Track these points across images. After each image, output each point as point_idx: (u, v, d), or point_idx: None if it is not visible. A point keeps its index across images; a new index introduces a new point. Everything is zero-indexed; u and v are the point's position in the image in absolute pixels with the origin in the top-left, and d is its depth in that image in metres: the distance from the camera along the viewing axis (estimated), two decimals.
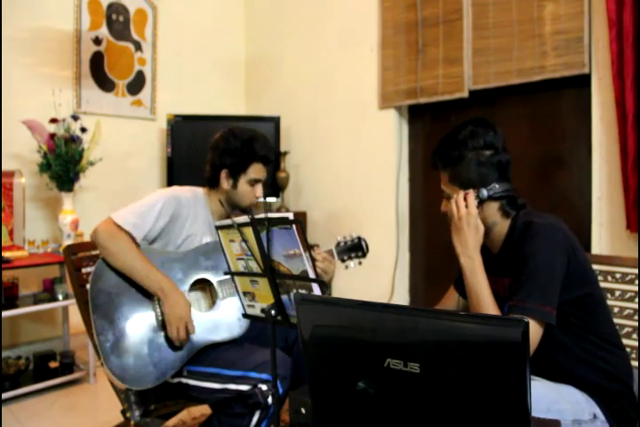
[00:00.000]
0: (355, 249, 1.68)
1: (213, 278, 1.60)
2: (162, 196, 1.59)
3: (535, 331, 1.15)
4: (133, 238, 1.52)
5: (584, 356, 1.25)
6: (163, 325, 1.52)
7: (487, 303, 1.21)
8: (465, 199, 1.27)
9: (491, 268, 1.29)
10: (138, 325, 1.50)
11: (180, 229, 1.61)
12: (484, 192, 1.27)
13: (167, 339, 1.51)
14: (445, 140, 1.34)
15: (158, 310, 1.53)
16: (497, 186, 1.27)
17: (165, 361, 1.48)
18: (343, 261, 1.69)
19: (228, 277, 1.58)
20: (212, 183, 1.71)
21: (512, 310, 1.18)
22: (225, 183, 1.67)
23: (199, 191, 1.72)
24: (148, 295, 1.53)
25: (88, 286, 1.51)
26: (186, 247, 1.62)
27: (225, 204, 1.70)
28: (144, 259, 1.51)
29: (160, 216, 1.55)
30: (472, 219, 1.26)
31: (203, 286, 1.63)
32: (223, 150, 1.66)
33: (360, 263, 1.71)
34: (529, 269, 1.19)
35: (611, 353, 1.27)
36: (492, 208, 1.30)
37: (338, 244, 1.69)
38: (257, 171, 1.68)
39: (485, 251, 1.33)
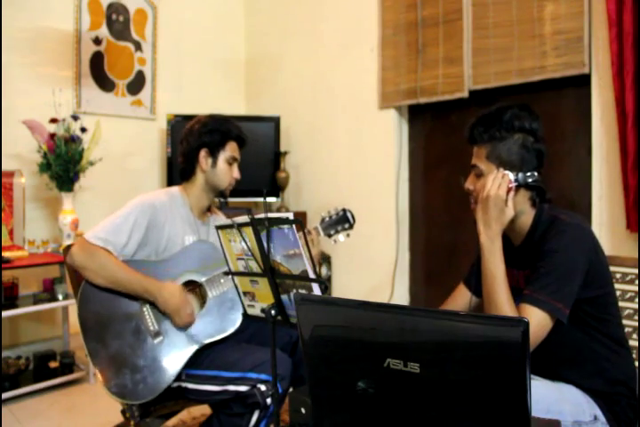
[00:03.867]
0: (341, 222, 1.69)
1: (201, 278, 1.60)
2: (135, 207, 1.58)
3: (543, 324, 1.14)
4: (110, 253, 1.51)
5: (590, 355, 1.26)
6: (156, 333, 1.52)
7: (500, 286, 1.20)
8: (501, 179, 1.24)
9: (511, 260, 1.28)
10: (130, 339, 1.50)
11: (160, 234, 1.60)
12: (524, 177, 1.25)
13: (162, 347, 1.51)
14: (489, 116, 1.29)
15: (148, 319, 1.53)
16: (536, 174, 1.25)
17: (162, 370, 1.48)
18: (330, 236, 1.69)
19: (214, 275, 1.59)
20: (189, 172, 1.71)
21: (523, 298, 1.17)
22: (204, 163, 1.68)
23: (174, 191, 1.71)
24: (135, 307, 1.53)
25: (76, 312, 1.50)
26: (169, 250, 1.61)
27: (205, 189, 1.71)
28: (125, 268, 1.50)
29: (135, 229, 1.54)
30: (499, 201, 1.23)
31: (192, 287, 1.63)
32: (201, 132, 1.68)
33: (348, 235, 1.71)
34: (549, 264, 1.19)
35: (616, 354, 1.27)
36: (524, 196, 1.29)
37: (323, 219, 1.69)
38: (233, 149, 1.72)
39: (507, 243, 1.31)
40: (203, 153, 1.68)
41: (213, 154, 1.69)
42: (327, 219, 1.69)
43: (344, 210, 1.70)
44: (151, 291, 1.50)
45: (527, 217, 1.30)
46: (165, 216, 1.62)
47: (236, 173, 1.72)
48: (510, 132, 1.26)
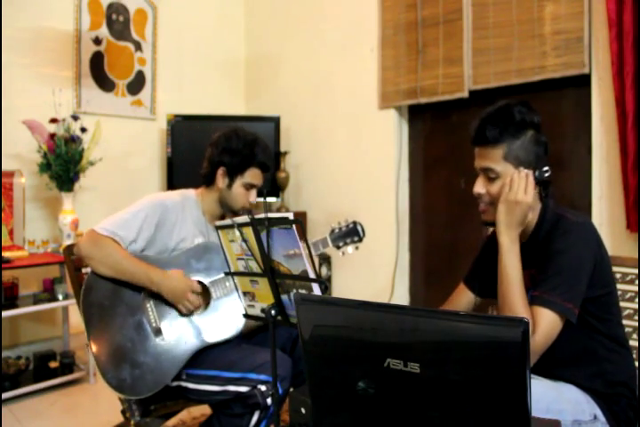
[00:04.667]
0: (350, 234, 1.69)
1: (206, 280, 1.60)
2: (145, 204, 1.57)
3: (554, 325, 1.14)
4: (117, 243, 1.50)
5: (591, 356, 1.25)
6: (157, 330, 1.52)
7: (516, 287, 1.18)
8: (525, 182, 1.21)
9: None
10: (131, 334, 1.49)
11: (170, 234, 1.60)
12: (541, 174, 1.22)
13: (162, 345, 1.51)
14: (498, 115, 1.25)
15: (151, 315, 1.53)
16: (549, 168, 1.23)
17: (162, 368, 1.48)
18: (339, 247, 1.69)
19: (220, 277, 1.58)
20: (208, 179, 1.69)
21: (534, 300, 1.17)
22: (220, 181, 1.66)
23: (190, 193, 1.70)
24: (139, 302, 1.53)
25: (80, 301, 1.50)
26: (179, 251, 1.61)
27: (218, 203, 1.69)
28: (130, 257, 1.50)
29: (144, 226, 1.54)
30: (525, 206, 1.20)
31: None
32: (224, 148, 1.64)
33: (357, 248, 1.71)
34: (558, 265, 1.18)
35: (617, 354, 1.27)
36: (535, 191, 1.27)
37: (332, 231, 1.69)
38: (253, 176, 1.66)
39: None
40: (220, 171, 1.65)
41: (230, 176, 1.65)
42: (337, 230, 1.69)
43: (354, 223, 1.70)
44: (155, 280, 1.50)
45: (534, 214, 1.29)
46: (176, 216, 1.61)
47: (252, 198, 1.68)
48: (523, 130, 1.23)
